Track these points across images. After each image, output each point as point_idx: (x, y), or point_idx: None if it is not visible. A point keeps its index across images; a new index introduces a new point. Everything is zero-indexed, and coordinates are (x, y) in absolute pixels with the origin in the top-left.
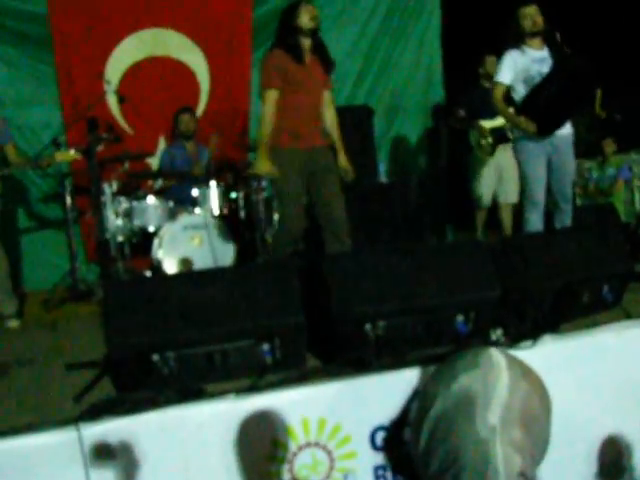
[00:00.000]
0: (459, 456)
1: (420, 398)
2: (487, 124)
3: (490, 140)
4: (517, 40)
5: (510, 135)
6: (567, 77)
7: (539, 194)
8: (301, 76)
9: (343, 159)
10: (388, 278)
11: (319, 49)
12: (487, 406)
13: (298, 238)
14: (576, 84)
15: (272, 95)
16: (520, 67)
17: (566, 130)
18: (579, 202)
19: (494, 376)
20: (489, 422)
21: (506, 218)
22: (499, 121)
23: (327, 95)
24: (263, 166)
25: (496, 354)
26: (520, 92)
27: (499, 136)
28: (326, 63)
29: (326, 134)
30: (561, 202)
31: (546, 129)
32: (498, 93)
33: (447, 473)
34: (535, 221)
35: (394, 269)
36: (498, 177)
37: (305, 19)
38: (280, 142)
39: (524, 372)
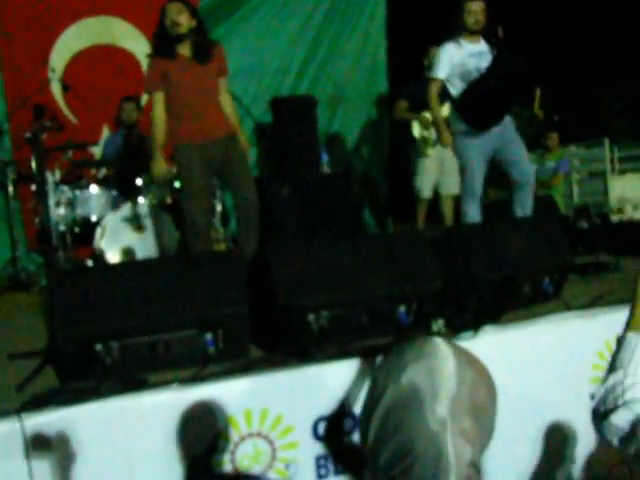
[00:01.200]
0: (411, 449)
1: (369, 389)
2: (430, 115)
3: (432, 131)
4: (455, 33)
5: (451, 127)
6: (505, 73)
7: (477, 187)
8: (183, 74)
9: (243, 142)
10: (332, 269)
11: (196, 43)
12: (435, 398)
13: (208, 233)
14: (514, 80)
15: (158, 97)
16: (456, 61)
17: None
18: None
19: (440, 367)
20: (438, 414)
21: (447, 210)
22: (442, 112)
23: (221, 82)
24: (157, 168)
25: (442, 344)
26: (457, 86)
27: None
28: (206, 52)
29: (224, 124)
30: (521, 178)
31: (483, 124)
32: (434, 89)
33: (398, 466)
34: (473, 213)
35: (338, 260)
36: (439, 169)
37: (168, 25)
38: (179, 139)
39: (470, 361)
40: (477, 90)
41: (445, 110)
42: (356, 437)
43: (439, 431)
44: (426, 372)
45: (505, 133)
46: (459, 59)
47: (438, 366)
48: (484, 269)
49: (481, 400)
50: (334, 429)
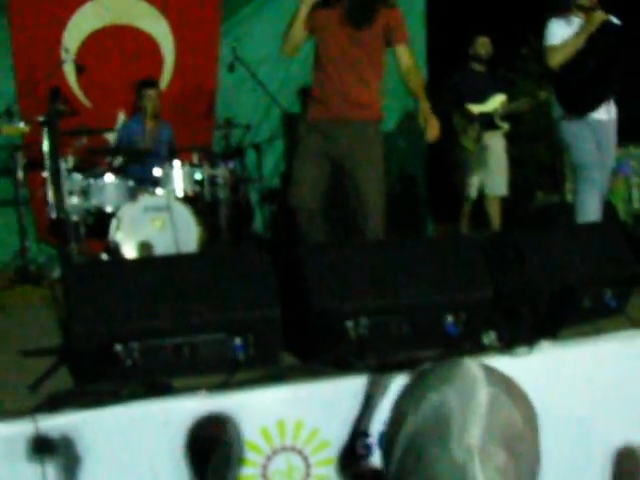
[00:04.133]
0: None
1: (391, 417)
2: (475, 108)
3: (477, 126)
4: (563, 10)
5: (499, 122)
6: (608, 48)
7: (594, 175)
8: (331, 32)
9: (423, 109)
10: (373, 272)
11: (354, 2)
12: (464, 427)
13: (317, 220)
14: (619, 58)
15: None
16: (565, 38)
17: (611, 115)
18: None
19: (471, 392)
20: (467, 444)
21: (493, 212)
22: (488, 106)
23: (399, 50)
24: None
25: (473, 367)
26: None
27: (487, 122)
28: (365, 15)
29: (369, 107)
30: None
31: (580, 107)
32: (553, 61)
33: None
34: (591, 204)
35: (379, 263)
36: (486, 167)
37: None
38: (308, 111)
39: (505, 386)
40: (575, 68)
41: (495, 102)
42: (374, 460)
43: (466, 463)
44: (454, 398)
45: (603, 136)
46: (567, 36)
47: (468, 392)
48: (540, 278)
49: (517, 430)
50: (347, 455)
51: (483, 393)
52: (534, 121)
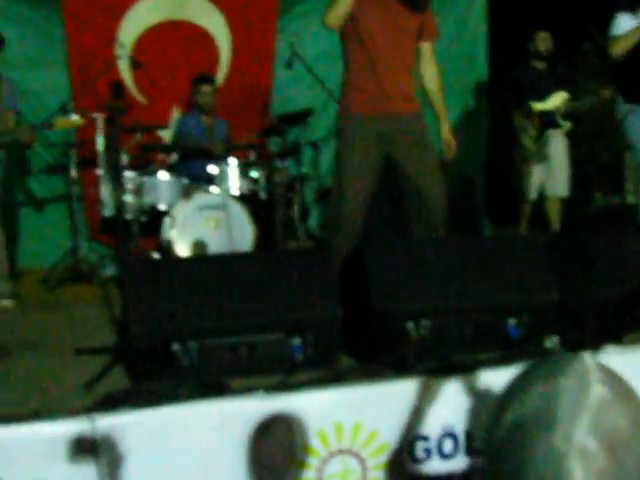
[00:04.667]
0: (526, 470)
1: (495, 406)
2: (537, 106)
3: (537, 124)
4: (633, 7)
5: (560, 120)
6: None
7: None
8: (379, 13)
9: (445, 129)
10: (435, 273)
11: None
12: (572, 421)
13: (356, 232)
14: None
15: None
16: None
17: None
18: (633, 200)
19: (585, 387)
20: (571, 438)
21: (553, 213)
22: (549, 104)
23: (426, 47)
24: None
25: (589, 361)
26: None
27: (548, 120)
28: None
29: (414, 99)
30: None
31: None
32: (617, 49)
33: None
34: None
35: (442, 264)
36: (546, 167)
37: None
38: (349, 108)
39: (618, 385)
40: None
41: (557, 100)
42: (432, 464)
43: (566, 458)
44: (565, 391)
45: None
46: (631, 29)
47: (580, 386)
48: (606, 282)
49: (624, 434)
50: (401, 459)
51: (596, 390)
52: (593, 120)
